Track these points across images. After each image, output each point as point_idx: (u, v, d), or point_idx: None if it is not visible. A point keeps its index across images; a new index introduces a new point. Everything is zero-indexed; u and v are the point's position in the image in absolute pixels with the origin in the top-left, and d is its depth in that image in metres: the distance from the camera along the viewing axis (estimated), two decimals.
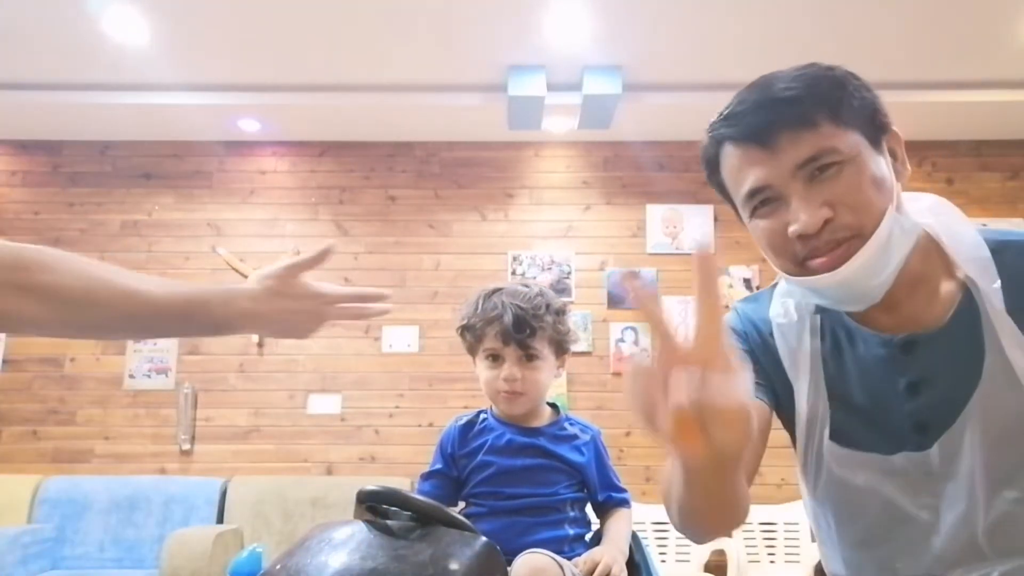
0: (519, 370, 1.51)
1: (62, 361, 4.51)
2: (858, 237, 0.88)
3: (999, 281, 0.93)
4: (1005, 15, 3.51)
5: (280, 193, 4.75)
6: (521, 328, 1.49)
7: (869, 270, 0.89)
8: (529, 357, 1.52)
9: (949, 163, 4.68)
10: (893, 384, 0.97)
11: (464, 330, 1.57)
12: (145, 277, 0.95)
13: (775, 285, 1.10)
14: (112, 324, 0.95)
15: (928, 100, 4.06)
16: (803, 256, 0.91)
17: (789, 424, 1.06)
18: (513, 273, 4.61)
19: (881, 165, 0.91)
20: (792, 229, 0.89)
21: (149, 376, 4.50)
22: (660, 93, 4.14)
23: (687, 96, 4.14)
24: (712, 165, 0.99)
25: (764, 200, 0.93)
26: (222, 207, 4.73)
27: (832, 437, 1.00)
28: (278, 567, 1.03)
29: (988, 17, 3.52)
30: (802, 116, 0.89)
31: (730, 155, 0.95)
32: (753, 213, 0.95)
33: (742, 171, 0.93)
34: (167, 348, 4.53)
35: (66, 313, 0.89)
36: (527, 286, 1.57)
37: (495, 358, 1.53)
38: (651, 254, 4.65)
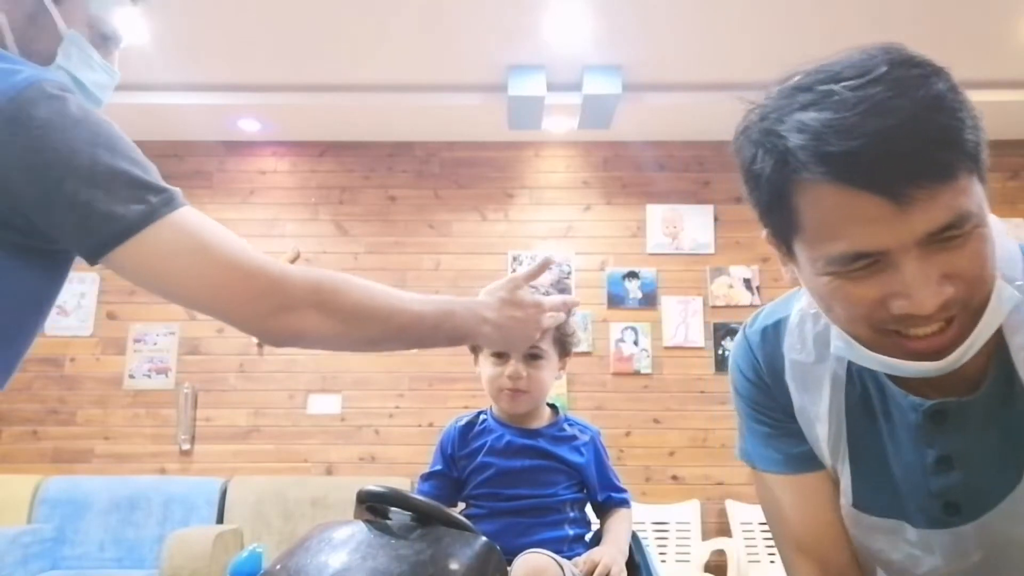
0: (524, 368, 1.51)
1: (62, 361, 4.51)
2: (965, 310, 0.72)
3: None
4: (1005, 15, 3.52)
5: (280, 193, 4.75)
6: None
7: (966, 356, 0.73)
8: (534, 356, 1.52)
9: None
10: (921, 456, 0.84)
11: None
12: (404, 293, 1.06)
13: (789, 298, 0.95)
14: (386, 336, 1.05)
15: None
16: (894, 328, 0.73)
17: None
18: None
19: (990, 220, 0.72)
20: (901, 305, 0.70)
21: (149, 376, 4.50)
22: (660, 93, 4.15)
23: (687, 96, 4.14)
24: (778, 194, 0.73)
25: (865, 264, 0.71)
26: (222, 207, 4.72)
27: (855, 504, 0.91)
28: (278, 567, 1.03)
29: (988, 17, 3.52)
30: (946, 168, 0.67)
31: (826, 196, 0.69)
32: (837, 273, 0.72)
33: (848, 225, 0.69)
34: (167, 348, 4.54)
35: (353, 328, 1.00)
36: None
37: (500, 355, 1.52)
38: (651, 254, 4.65)
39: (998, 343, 0.79)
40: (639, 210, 4.71)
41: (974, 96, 0.72)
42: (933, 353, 0.73)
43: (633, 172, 4.76)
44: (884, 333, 0.74)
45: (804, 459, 0.94)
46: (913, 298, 0.69)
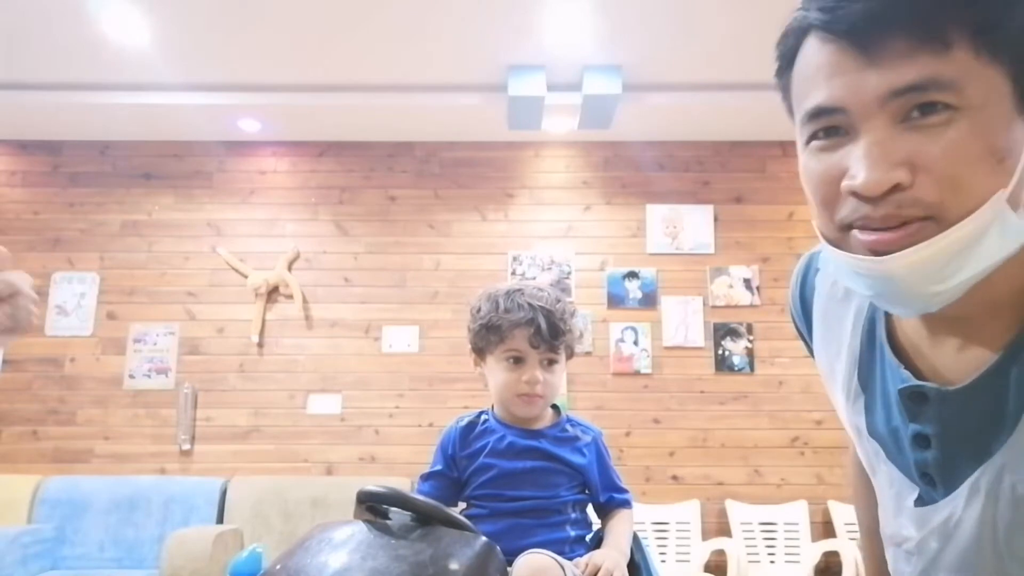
0: (541, 373, 1.50)
1: (62, 361, 4.51)
2: (934, 220, 0.61)
3: None
4: None
5: (280, 193, 4.75)
6: (555, 333, 1.49)
7: (930, 269, 0.62)
8: (551, 361, 1.51)
9: None
10: (905, 427, 0.80)
11: (486, 329, 1.52)
12: None
13: None
14: None
15: None
16: (850, 221, 0.65)
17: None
18: (513, 273, 4.61)
19: (1015, 133, 0.61)
20: (846, 183, 0.63)
21: (149, 376, 4.50)
22: (660, 93, 4.15)
23: (687, 96, 4.14)
24: (787, 58, 0.70)
25: (829, 128, 0.65)
26: (222, 207, 4.73)
27: (870, 431, 0.86)
28: (278, 567, 1.03)
29: None
30: (934, 25, 0.59)
31: (813, 51, 0.66)
32: (810, 140, 0.67)
33: (818, 77, 0.65)
34: (167, 348, 4.53)
35: None
36: (541, 289, 1.56)
37: (517, 360, 1.50)
38: (651, 254, 4.65)
39: (1014, 343, 0.69)
40: (639, 210, 4.72)
41: None
42: (877, 250, 0.63)
43: (633, 172, 4.76)
44: (843, 230, 0.66)
45: None
46: (860, 175, 0.61)
